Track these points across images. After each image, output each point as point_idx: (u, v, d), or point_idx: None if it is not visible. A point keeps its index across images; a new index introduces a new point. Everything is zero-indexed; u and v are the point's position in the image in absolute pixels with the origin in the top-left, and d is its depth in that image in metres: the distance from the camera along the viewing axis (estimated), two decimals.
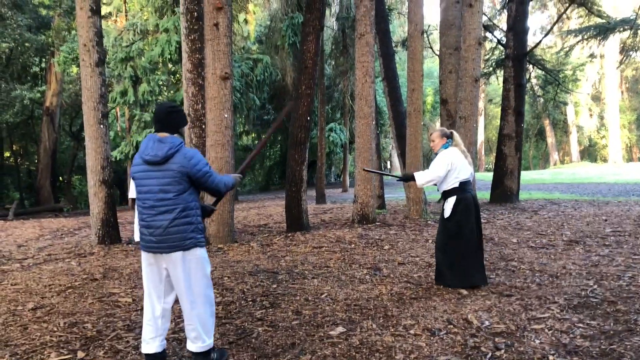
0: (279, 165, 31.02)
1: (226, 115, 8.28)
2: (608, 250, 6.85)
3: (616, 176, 24.25)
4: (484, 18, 14.34)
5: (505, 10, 16.05)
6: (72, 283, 6.06)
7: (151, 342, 3.42)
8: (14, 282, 6.21)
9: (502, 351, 3.52)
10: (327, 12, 20.87)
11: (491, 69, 17.71)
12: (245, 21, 22.04)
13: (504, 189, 13.60)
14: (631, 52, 18.99)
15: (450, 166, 5.15)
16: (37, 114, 25.29)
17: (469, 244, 5.16)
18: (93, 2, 8.99)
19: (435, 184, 5.33)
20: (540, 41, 15.56)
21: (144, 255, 3.41)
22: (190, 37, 9.27)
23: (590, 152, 48.23)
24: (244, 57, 21.28)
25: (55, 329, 4.34)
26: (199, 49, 9.16)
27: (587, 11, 16.18)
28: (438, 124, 30.86)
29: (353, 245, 7.94)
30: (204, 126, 8.85)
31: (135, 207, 9.27)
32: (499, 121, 15.28)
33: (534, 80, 20.16)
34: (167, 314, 3.49)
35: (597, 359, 3.35)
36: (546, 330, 3.88)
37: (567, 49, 18.71)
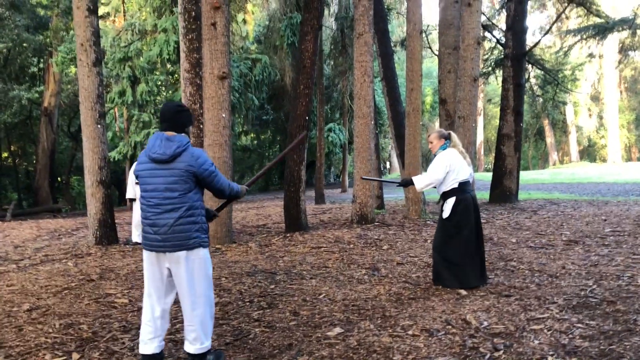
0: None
1: (224, 115, 8.24)
2: (607, 250, 6.83)
3: (615, 176, 24.24)
4: (483, 18, 14.30)
5: (504, 10, 16.05)
6: (68, 284, 6.03)
7: (149, 343, 3.40)
8: (10, 283, 6.17)
9: (501, 352, 3.49)
10: (326, 11, 20.84)
11: (490, 68, 17.68)
12: (244, 21, 22.02)
13: (503, 189, 13.57)
14: (630, 52, 19.01)
15: (449, 167, 5.12)
16: (35, 115, 25.25)
17: (467, 245, 5.13)
18: (90, 2, 8.94)
19: (435, 187, 5.30)
20: (539, 41, 15.54)
21: (147, 255, 3.39)
22: (188, 37, 9.23)
23: (589, 152, 48.22)
24: (243, 57, 21.25)
25: (51, 330, 4.31)
26: (196, 48, 9.12)
27: (585, 11, 16.16)
28: (437, 123, 30.87)
29: (352, 246, 7.91)
30: (201, 126, 8.81)
31: (134, 206, 9.22)
32: (498, 121, 15.25)
33: (533, 80, 20.11)
34: (166, 315, 3.48)
35: (596, 359, 3.32)
36: (545, 330, 3.85)
37: (566, 48, 18.69)
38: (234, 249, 8.09)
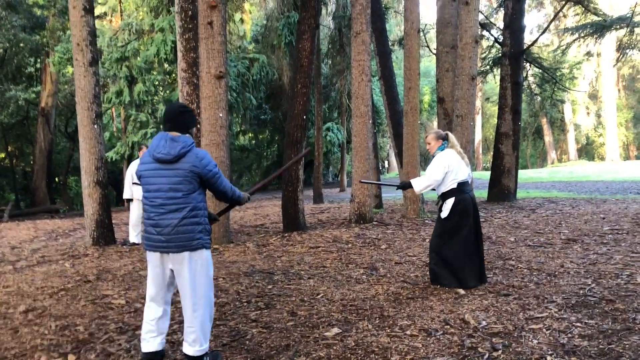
0: (276, 165, 30.93)
1: (221, 115, 8.21)
2: (606, 248, 6.81)
3: (613, 174, 24.25)
4: (481, 16, 14.28)
5: (501, 9, 16.03)
6: (65, 285, 5.99)
7: (151, 341, 3.41)
8: (6, 285, 6.13)
9: (500, 352, 3.47)
10: (324, 10, 20.81)
11: (488, 67, 17.65)
12: (242, 20, 21.95)
13: (502, 188, 13.56)
14: (628, 50, 18.97)
15: (448, 168, 5.10)
16: (33, 115, 25.19)
17: (466, 245, 5.11)
18: (86, 1, 8.91)
19: (434, 189, 5.28)
20: (536, 39, 15.52)
21: (150, 256, 3.39)
22: (184, 36, 9.21)
23: (587, 151, 48.26)
24: (240, 56, 21.21)
25: (47, 332, 4.28)
26: (193, 47, 9.09)
27: (583, 9, 16.14)
28: (435, 122, 30.85)
29: (350, 245, 7.89)
30: (199, 125, 8.78)
31: (131, 207, 9.17)
32: (496, 120, 15.24)
33: (530, 79, 20.08)
34: (167, 313, 3.50)
35: (595, 358, 3.30)
36: (544, 330, 3.83)
37: (564, 47, 18.67)
38: (232, 249, 8.06)
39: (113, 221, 9.73)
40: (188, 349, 3.38)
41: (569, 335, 3.71)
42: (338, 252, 7.35)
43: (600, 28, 15.44)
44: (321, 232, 9.18)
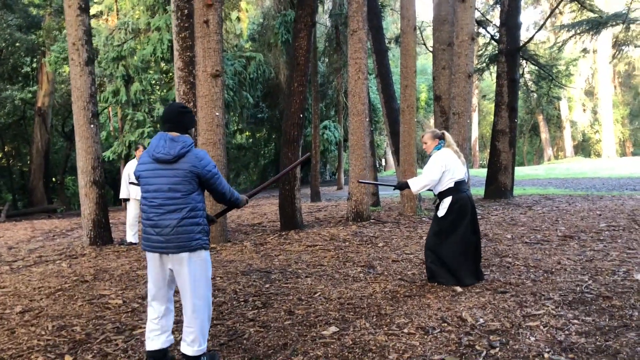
0: (274, 163, 30.91)
1: (217, 114, 8.20)
2: (602, 245, 6.82)
3: (610, 171, 24.31)
4: (477, 13, 14.28)
5: (498, 6, 16.02)
6: (62, 285, 5.98)
7: (156, 339, 3.42)
8: (3, 285, 6.12)
9: (497, 349, 3.47)
10: (320, 8, 20.80)
11: (484, 64, 17.67)
12: (238, 19, 21.93)
13: (498, 185, 13.58)
14: (623, 47, 19.03)
15: (445, 167, 5.10)
16: (29, 115, 25.09)
17: (462, 244, 5.11)
18: (82, 0, 8.87)
19: (430, 189, 5.28)
20: (533, 36, 15.53)
21: (150, 257, 3.39)
22: (181, 35, 9.17)
23: (584, 147, 48.32)
24: (237, 55, 21.17)
25: (43, 333, 4.27)
26: (189, 46, 9.06)
27: (579, 6, 16.15)
28: (432, 120, 30.86)
29: (347, 243, 7.89)
30: (196, 125, 8.76)
31: (128, 206, 9.15)
32: (492, 117, 15.25)
33: (527, 76, 20.13)
34: (170, 311, 3.51)
35: (592, 355, 3.31)
36: (541, 327, 3.84)
37: (560, 43, 18.68)
38: (229, 248, 8.06)
39: (110, 221, 9.71)
40: (187, 348, 3.38)
41: (566, 332, 3.72)
42: (335, 251, 7.34)
43: (596, 25, 15.45)
44: (318, 231, 9.18)
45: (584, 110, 46.21)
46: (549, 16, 18.01)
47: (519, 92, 16.27)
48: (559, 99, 34.22)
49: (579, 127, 46.05)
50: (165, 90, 20.68)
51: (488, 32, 16.72)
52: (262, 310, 4.67)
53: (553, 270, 5.59)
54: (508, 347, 3.51)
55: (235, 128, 27.21)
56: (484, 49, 18.48)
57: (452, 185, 5.13)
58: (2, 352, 3.84)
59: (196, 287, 3.33)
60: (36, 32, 23.31)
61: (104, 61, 18.57)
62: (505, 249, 6.86)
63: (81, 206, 9.04)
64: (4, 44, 21.15)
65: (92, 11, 20.19)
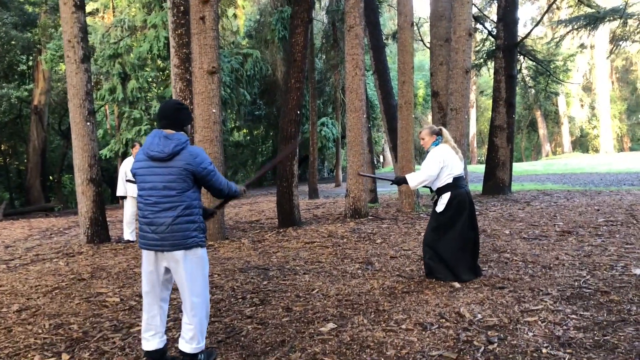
0: (271, 160, 30.88)
1: (214, 111, 8.17)
2: (601, 240, 6.82)
3: (608, 166, 24.32)
4: (474, 9, 14.26)
5: (495, 1, 16.01)
6: (59, 283, 5.96)
7: (151, 340, 3.40)
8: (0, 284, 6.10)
9: (495, 345, 3.46)
10: (317, 5, 20.74)
11: (482, 60, 17.65)
12: (235, 16, 21.84)
13: (496, 181, 13.57)
14: (621, 42, 18.99)
15: (443, 163, 5.10)
16: (26, 113, 25.01)
17: (460, 239, 5.11)
18: None
19: (427, 186, 5.26)
20: (530, 31, 15.51)
21: (145, 254, 3.38)
22: (177, 32, 9.14)
23: (581, 143, 48.37)
24: (234, 52, 21.10)
25: (40, 331, 4.25)
26: (186, 43, 9.03)
27: (576, 1, 16.14)
28: (430, 116, 30.85)
29: (345, 240, 7.88)
30: (192, 122, 8.73)
31: (125, 204, 9.12)
32: (490, 113, 15.24)
33: (524, 71, 20.10)
34: (163, 312, 3.48)
35: (590, 350, 3.30)
36: (539, 322, 3.83)
37: (558, 39, 18.67)
38: (227, 245, 8.04)
39: (107, 219, 9.69)
40: (185, 346, 3.37)
41: (564, 327, 3.71)
42: (333, 247, 7.33)
43: (594, 20, 15.44)
44: (316, 228, 9.17)
45: (582, 105, 46.24)
46: (546, 11, 17.97)
47: (517, 88, 16.27)
48: (556, 94, 34.22)
49: (577, 123, 46.09)
50: (162, 88, 20.61)
51: (485, 28, 16.69)
52: (260, 307, 4.66)
53: (551, 265, 5.58)
54: (506, 342, 3.50)
55: (233, 125, 27.19)
56: (481, 45, 18.46)
57: (450, 181, 5.13)
58: None
59: (193, 285, 3.31)
60: (32, 30, 23.20)
61: (100, 59, 18.51)
62: (504, 245, 6.85)
63: (78, 204, 9.01)
64: None
65: (88, 9, 20.13)
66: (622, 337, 3.47)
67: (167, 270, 3.38)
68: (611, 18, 15.59)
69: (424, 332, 3.78)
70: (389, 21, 30.39)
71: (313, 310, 4.45)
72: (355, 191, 10.07)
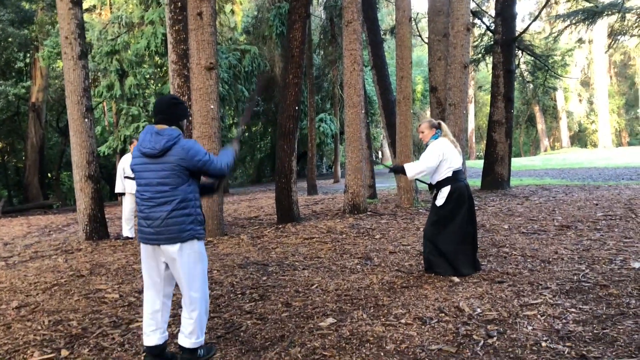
0: (270, 157, 30.85)
1: (212, 107, 8.15)
2: (599, 234, 6.83)
3: (606, 161, 24.35)
4: (472, 4, 14.23)
5: None
6: (58, 280, 5.96)
7: (152, 335, 3.39)
8: None
9: (495, 338, 3.46)
10: (315, 0, 20.70)
11: (480, 55, 17.63)
12: (232, 12, 21.78)
13: (495, 176, 13.57)
14: (619, 36, 18.96)
15: (442, 156, 5.10)
16: (23, 110, 24.97)
17: (460, 233, 5.11)
18: None
19: (426, 183, 5.25)
20: (528, 26, 15.49)
21: (143, 248, 3.38)
22: (174, 28, 9.11)
23: (580, 138, 48.43)
24: (232, 48, 21.07)
25: (40, 328, 4.25)
26: (183, 39, 9.00)
27: None
28: (428, 112, 30.84)
29: (344, 236, 7.88)
30: (190, 118, 8.71)
31: (124, 201, 9.12)
32: (489, 108, 15.23)
33: (523, 66, 20.08)
34: (166, 307, 3.47)
35: (590, 343, 3.30)
36: (538, 316, 3.84)
37: (556, 34, 18.64)
38: (226, 241, 8.04)
39: (106, 215, 9.69)
40: (184, 340, 3.37)
41: (564, 321, 3.72)
42: (332, 243, 7.33)
43: (592, 14, 15.42)
44: (315, 223, 9.17)
45: (580, 100, 46.27)
46: (544, 6, 17.94)
47: (515, 83, 16.25)
48: (555, 89, 34.21)
49: (575, 118, 46.13)
50: (159, 84, 20.57)
51: (483, 23, 16.68)
52: (260, 302, 4.66)
53: (550, 259, 5.59)
54: (505, 336, 3.51)
55: (231, 122, 27.13)
56: (479, 40, 18.43)
57: (450, 174, 5.13)
58: None
59: (191, 280, 3.31)
60: (29, 27, 23.14)
61: (98, 55, 18.47)
62: (503, 239, 6.86)
63: (77, 201, 9.00)
64: None
65: (85, 5, 20.05)
66: (621, 330, 3.47)
67: (168, 266, 3.37)
68: (609, 12, 15.59)
69: (423, 327, 3.78)
70: (386, 16, 30.36)
71: (312, 306, 4.45)
72: (354, 187, 10.07)
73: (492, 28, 14.63)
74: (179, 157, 3.20)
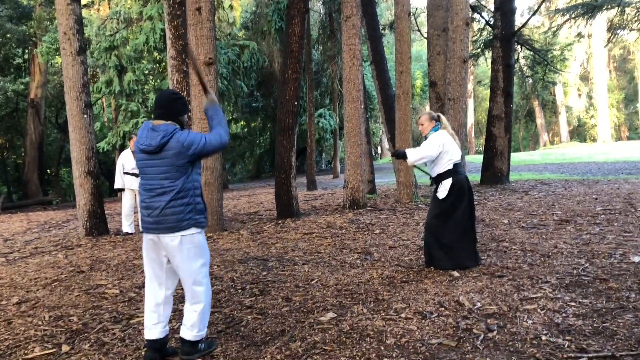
0: (270, 152, 30.85)
1: None
2: (599, 228, 6.84)
3: (605, 155, 24.37)
4: None
5: None
6: (58, 276, 5.96)
7: (153, 328, 3.39)
8: None
9: (495, 332, 3.47)
10: None
11: (479, 50, 17.61)
12: (231, 7, 21.75)
13: (494, 171, 13.58)
14: (618, 31, 18.96)
15: (442, 148, 5.10)
16: (22, 107, 24.93)
17: (461, 226, 5.12)
18: None
19: (427, 173, 5.26)
20: (527, 21, 15.48)
21: (145, 240, 3.39)
22: (173, 23, 9.09)
23: (579, 132, 48.43)
24: (230, 43, 21.03)
25: (40, 323, 4.25)
26: (182, 35, 8.99)
27: None
28: (427, 107, 30.86)
29: (344, 231, 7.88)
30: (189, 113, 8.70)
31: (123, 197, 9.12)
32: (488, 103, 15.22)
33: (522, 61, 20.08)
34: (169, 301, 3.47)
35: (589, 337, 3.31)
36: (538, 310, 3.84)
37: (555, 28, 18.63)
38: (226, 236, 8.04)
39: (106, 211, 9.68)
40: (186, 332, 3.38)
41: (564, 314, 3.73)
42: (332, 238, 7.34)
43: (591, 8, 15.40)
44: (315, 219, 9.17)
45: (579, 95, 46.26)
46: (544, 0, 17.92)
47: (514, 78, 16.24)
48: (554, 84, 34.24)
49: (575, 112, 46.12)
50: (158, 80, 20.54)
51: (482, 17, 16.65)
52: (260, 297, 4.67)
53: (550, 254, 5.60)
54: (505, 330, 3.52)
55: (230, 117, 27.10)
56: (478, 35, 18.40)
57: (451, 167, 5.14)
58: None
59: (193, 275, 3.31)
60: (27, 23, 23.08)
61: (97, 51, 18.42)
62: (502, 234, 6.86)
63: (76, 197, 9.00)
64: None
65: (84, 1, 19.99)
66: (621, 323, 3.48)
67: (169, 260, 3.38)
68: (608, 6, 15.56)
69: (423, 321, 3.79)
70: (386, 11, 30.30)
71: (312, 300, 4.45)
72: (353, 182, 10.07)
73: (491, 22, 14.60)
74: (176, 151, 3.21)
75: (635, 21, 16.76)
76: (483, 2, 19.72)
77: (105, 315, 4.38)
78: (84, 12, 18.79)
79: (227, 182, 24.06)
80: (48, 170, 28.14)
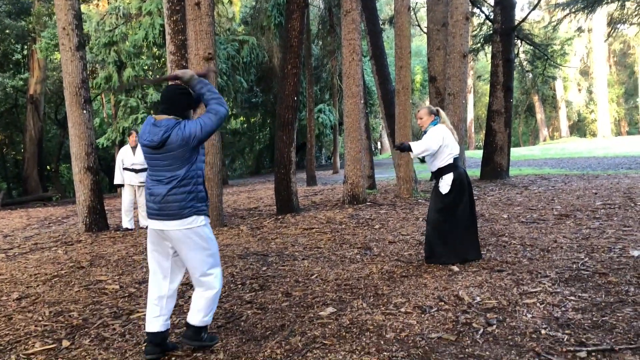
0: (269, 148, 30.82)
1: None
2: (598, 223, 6.84)
3: (605, 150, 24.35)
4: None
5: None
6: (58, 272, 5.97)
7: (154, 321, 3.38)
8: None
9: (494, 327, 3.48)
10: None
11: (479, 44, 17.58)
12: (230, 2, 21.69)
13: (494, 166, 13.58)
14: (619, 25, 18.93)
15: (443, 141, 5.11)
16: (21, 103, 24.88)
17: (463, 219, 5.13)
18: None
19: (427, 164, 5.27)
20: (527, 15, 15.43)
21: (150, 232, 3.41)
22: (172, 19, 9.05)
23: (579, 127, 48.39)
24: (230, 38, 20.97)
25: (40, 319, 4.26)
26: (181, 30, 8.95)
27: None
28: (427, 102, 30.81)
29: (343, 226, 7.89)
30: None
31: (123, 192, 9.13)
32: (488, 98, 15.20)
33: (522, 56, 20.04)
34: (172, 294, 3.47)
35: (589, 331, 3.32)
36: (538, 304, 3.85)
37: (555, 23, 18.60)
38: (226, 232, 8.05)
39: (106, 207, 9.68)
40: (193, 317, 3.38)
41: (563, 308, 3.73)
42: (332, 233, 7.35)
43: (591, 3, 15.38)
44: (315, 214, 9.18)
45: (579, 90, 46.21)
46: None
47: (514, 72, 16.21)
48: (554, 78, 34.17)
49: (574, 107, 46.09)
50: (158, 75, 20.48)
51: (482, 12, 16.62)
52: (260, 292, 4.67)
53: (549, 248, 5.60)
54: (505, 324, 3.52)
55: (230, 113, 27.08)
56: (478, 29, 18.37)
57: (451, 161, 5.15)
58: (0, 338, 3.84)
59: (199, 264, 3.32)
60: (26, 19, 23.01)
61: (96, 47, 18.37)
62: (502, 229, 6.87)
63: (76, 193, 9.00)
64: None
65: None
66: (620, 317, 3.49)
67: (176, 252, 3.39)
68: (609, 1, 15.53)
69: (423, 315, 3.80)
70: (385, 6, 30.24)
71: (312, 295, 4.46)
72: (353, 177, 10.07)
73: (491, 17, 14.57)
74: (178, 144, 3.22)
75: (636, 15, 16.73)
76: None
77: (106, 311, 4.38)
78: (83, 8, 18.74)
79: (227, 178, 24.07)
80: (48, 167, 28.14)
